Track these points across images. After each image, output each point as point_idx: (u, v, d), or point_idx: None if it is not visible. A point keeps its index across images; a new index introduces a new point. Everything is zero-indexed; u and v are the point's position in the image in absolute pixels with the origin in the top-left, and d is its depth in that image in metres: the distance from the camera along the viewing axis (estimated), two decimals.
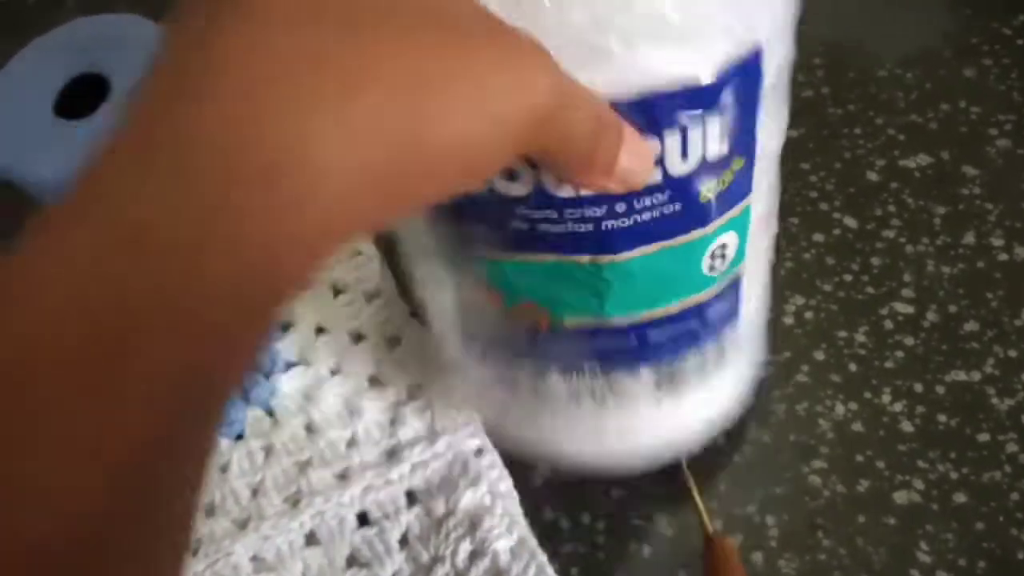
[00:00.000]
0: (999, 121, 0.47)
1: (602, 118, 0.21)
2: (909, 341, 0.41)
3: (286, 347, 0.37)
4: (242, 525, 0.34)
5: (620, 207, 0.26)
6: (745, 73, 0.25)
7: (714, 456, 0.39)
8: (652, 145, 0.24)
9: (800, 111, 0.48)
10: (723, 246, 0.29)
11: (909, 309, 0.42)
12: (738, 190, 0.28)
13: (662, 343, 0.31)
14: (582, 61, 0.22)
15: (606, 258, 0.27)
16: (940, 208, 0.44)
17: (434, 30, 0.17)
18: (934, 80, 0.48)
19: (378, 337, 0.38)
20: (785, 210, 0.45)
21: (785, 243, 0.44)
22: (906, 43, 0.50)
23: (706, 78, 0.24)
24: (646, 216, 0.26)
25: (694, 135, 0.25)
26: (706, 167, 0.26)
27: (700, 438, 0.36)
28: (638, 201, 0.26)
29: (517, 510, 0.35)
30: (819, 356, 0.41)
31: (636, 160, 0.23)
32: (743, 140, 0.27)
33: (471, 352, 0.33)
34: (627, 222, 0.26)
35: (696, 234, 0.28)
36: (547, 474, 0.39)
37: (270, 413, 0.36)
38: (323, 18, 0.16)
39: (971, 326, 0.41)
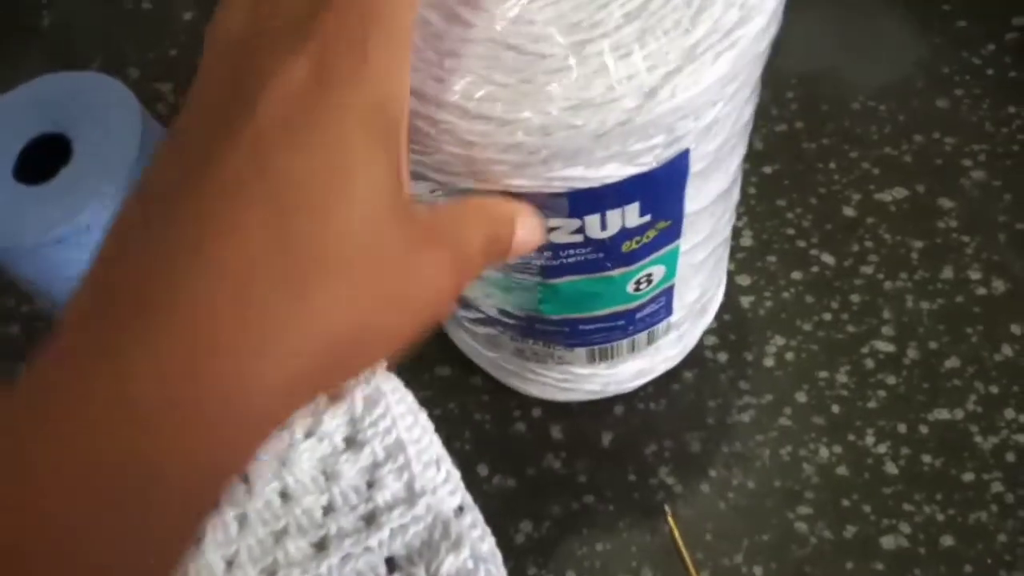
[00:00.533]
0: (973, 152, 0.46)
1: (497, 228, 0.23)
2: (891, 380, 0.41)
3: None
4: None
5: (547, 254, 0.29)
6: (669, 169, 0.26)
7: (699, 504, 0.39)
8: (571, 223, 0.27)
9: (774, 146, 0.48)
10: (649, 275, 0.32)
11: (890, 347, 0.41)
12: (664, 239, 0.30)
13: (591, 333, 0.35)
14: (518, 168, 0.25)
15: (542, 279, 0.31)
16: (917, 242, 0.44)
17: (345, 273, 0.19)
18: (907, 112, 0.48)
19: (354, 396, 0.37)
20: (763, 248, 0.45)
21: (764, 282, 0.44)
22: (878, 74, 0.50)
23: (623, 178, 0.26)
24: (571, 260, 0.29)
25: (612, 215, 0.27)
26: (626, 232, 0.28)
27: (635, 385, 0.41)
28: (563, 251, 0.28)
29: (501, 572, 0.34)
30: (801, 398, 0.41)
31: (528, 235, 0.24)
32: (667, 210, 0.28)
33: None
34: (555, 262, 0.29)
35: (619, 271, 0.30)
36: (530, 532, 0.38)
37: (244, 479, 0.35)
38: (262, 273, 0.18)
39: (952, 363, 0.41)
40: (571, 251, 0.28)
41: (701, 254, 0.33)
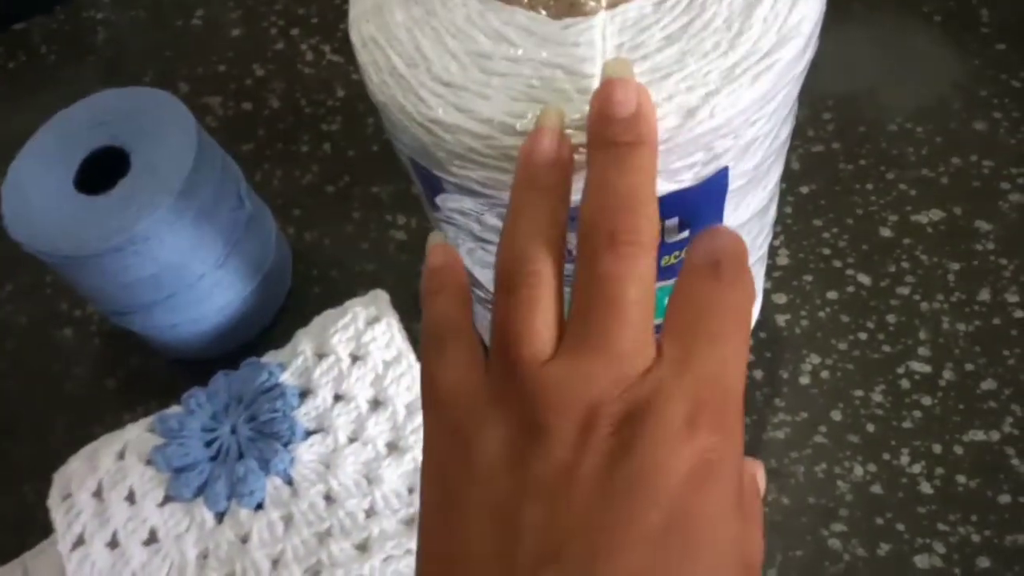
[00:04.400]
0: (1011, 175, 0.47)
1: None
2: (927, 400, 0.41)
3: (304, 416, 0.38)
4: None
5: None
6: (708, 186, 0.26)
7: None
8: None
9: (811, 166, 0.48)
10: None
11: (926, 368, 0.42)
12: None
13: None
14: None
15: None
16: (954, 264, 0.44)
17: None
18: (945, 134, 0.48)
19: (396, 404, 0.38)
20: (799, 268, 0.45)
21: (800, 301, 0.44)
22: (916, 96, 0.50)
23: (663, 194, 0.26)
24: None
25: None
26: (665, 247, 0.29)
27: None
28: None
29: None
30: (836, 416, 0.41)
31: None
32: (706, 226, 0.28)
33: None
34: None
35: (657, 285, 0.31)
36: None
37: (289, 482, 0.37)
38: None
39: (988, 384, 0.41)
40: None
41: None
